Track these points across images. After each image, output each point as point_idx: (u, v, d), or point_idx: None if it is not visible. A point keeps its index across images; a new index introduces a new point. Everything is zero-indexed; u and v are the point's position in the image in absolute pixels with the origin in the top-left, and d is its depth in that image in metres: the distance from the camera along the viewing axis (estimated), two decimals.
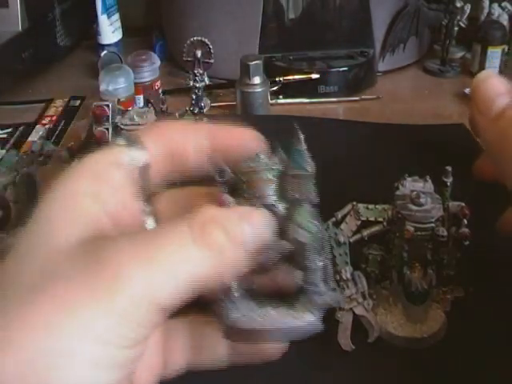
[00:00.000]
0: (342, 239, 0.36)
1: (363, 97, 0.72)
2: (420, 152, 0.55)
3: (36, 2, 0.73)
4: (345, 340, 0.35)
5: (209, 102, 0.48)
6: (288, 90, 0.70)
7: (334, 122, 0.65)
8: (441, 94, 0.73)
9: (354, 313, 0.35)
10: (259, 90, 0.59)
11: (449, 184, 0.37)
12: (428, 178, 0.36)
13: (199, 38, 0.45)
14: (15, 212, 0.50)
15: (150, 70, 0.65)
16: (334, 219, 0.37)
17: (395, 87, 0.75)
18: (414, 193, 0.35)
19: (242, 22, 0.73)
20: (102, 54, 0.79)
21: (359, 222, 0.36)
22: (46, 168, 0.59)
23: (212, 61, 0.46)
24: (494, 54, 0.74)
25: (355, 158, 0.56)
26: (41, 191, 0.54)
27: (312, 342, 0.36)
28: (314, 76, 0.70)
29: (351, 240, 0.36)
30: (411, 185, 0.36)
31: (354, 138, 0.61)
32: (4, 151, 0.61)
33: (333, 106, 0.70)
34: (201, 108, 0.47)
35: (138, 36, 0.90)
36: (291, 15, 0.74)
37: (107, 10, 0.81)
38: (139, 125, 0.45)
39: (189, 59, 0.46)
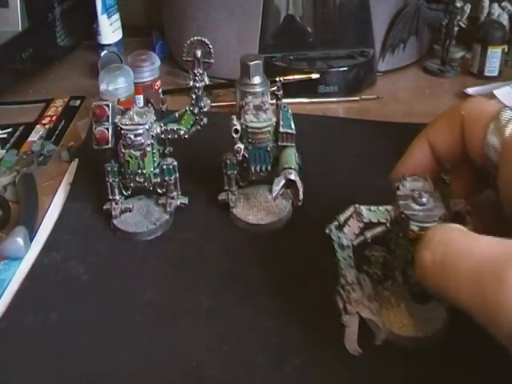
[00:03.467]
0: (345, 243, 0.35)
1: (363, 97, 0.72)
2: None
3: (36, 2, 0.73)
4: (351, 345, 0.35)
5: (209, 101, 0.48)
6: (288, 89, 0.70)
7: (333, 120, 0.65)
8: (441, 94, 0.73)
9: (360, 316, 0.35)
10: (259, 89, 0.59)
11: (448, 182, 0.37)
12: (427, 176, 0.36)
13: (199, 38, 0.45)
14: (15, 212, 0.50)
15: (150, 69, 0.65)
16: (336, 223, 0.36)
17: (395, 87, 0.75)
18: (416, 192, 0.35)
19: (242, 22, 0.73)
20: (102, 54, 0.80)
21: (362, 225, 0.36)
22: (45, 168, 0.59)
23: (212, 61, 0.46)
24: (494, 54, 0.74)
25: (355, 156, 0.56)
26: (40, 191, 0.54)
27: (317, 343, 0.37)
28: (314, 76, 0.70)
29: (355, 243, 0.36)
30: (411, 184, 0.36)
31: (354, 137, 0.61)
32: (4, 151, 0.61)
33: (333, 106, 0.70)
34: (201, 108, 0.47)
35: (138, 36, 0.90)
36: (291, 15, 0.74)
37: (107, 10, 0.81)
38: (139, 125, 0.45)
39: (189, 59, 0.46)
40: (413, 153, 0.37)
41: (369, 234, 0.36)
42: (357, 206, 0.36)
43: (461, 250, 0.28)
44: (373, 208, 0.36)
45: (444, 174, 0.37)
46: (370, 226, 0.36)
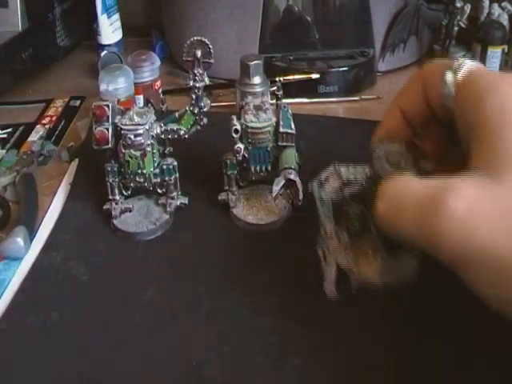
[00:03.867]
0: (325, 198, 0.39)
1: (363, 97, 0.72)
2: None
3: (36, 2, 0.73)
4: (330, 289, 0.39)
5: (209, 102, 0.48)
6: (288, 89, 0.70)
7: (333, 120, 0.65)
8: None
9: (337, 264, 0.38)
10: (259, 90, 0.59)
11: (420, 146, 0.40)
12: (402, 141, 0.39)
13: (199, 38, 0.45)
14: (15, 212, 0.50)
15: (150, 69, 0.65)
16: (317, 179, 0.40)
17: (395, 87, 0.74)
18: (390, 154, 0.38)
19: (242, 22, 0.73)
20: (102, 54, 0.79)
21: (341, 182, 0.40)
22: (45, 168, 0.59)
23: (212, 61, 0.46)
24: (494, 54, 0.74)
25: (355, 156, 0.56)
26: (40, 191, 0.54)
27: (317, 343, 0.37)
28: (314, 76, 0.70)
29: (334, 198, 0.39)
30: (386, 147, 0.39)
31: (354, 137, 0.61)
32: (4, 151, 0.61)
33: (333, 106, 0.70)
34: (201, 108, 0.47)
35: (138, 36, 0.90)
36: (291, 15, 0.74)
37: (107, 10, 0.81)
38: (139, 125, 0.45)
39: (189, 59, 0.46)
40: (386, 118, 0.41)
41: (347, 191, 0.39)
42: (336, 165, 0.40)
43: (406, 192, 0.31)
44: (351, 167, 0.40)
45: (416, 138, 0.40)
46: (348, 183, 0.40)
